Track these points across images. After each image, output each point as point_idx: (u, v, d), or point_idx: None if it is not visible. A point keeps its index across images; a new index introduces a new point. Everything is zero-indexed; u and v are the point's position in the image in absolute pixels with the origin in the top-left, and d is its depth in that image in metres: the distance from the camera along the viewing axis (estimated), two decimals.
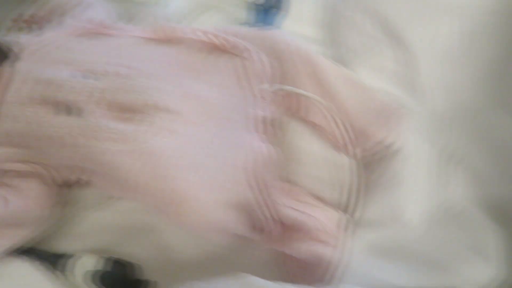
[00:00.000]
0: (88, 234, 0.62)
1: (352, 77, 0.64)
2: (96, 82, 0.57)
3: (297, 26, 0.84)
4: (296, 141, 0.66)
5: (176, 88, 0.57)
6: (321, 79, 0.63)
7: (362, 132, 0.62)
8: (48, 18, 0.76)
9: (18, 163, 0.58)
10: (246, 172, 0.54)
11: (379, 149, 0.63)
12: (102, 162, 0.54)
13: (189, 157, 0.53)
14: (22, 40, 0.65)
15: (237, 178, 0.53)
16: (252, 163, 0.55)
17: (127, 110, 0.56)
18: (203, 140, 0.54)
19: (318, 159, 0.66)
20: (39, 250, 0.61)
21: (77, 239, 0.62)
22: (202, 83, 0.59)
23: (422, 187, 0.61)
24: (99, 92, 0.56)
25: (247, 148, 0.56)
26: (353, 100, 0.63)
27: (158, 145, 0.53)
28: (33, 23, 0.80)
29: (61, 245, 0.62)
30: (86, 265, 0.57)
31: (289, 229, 0.56)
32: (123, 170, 0.53)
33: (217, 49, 0.62)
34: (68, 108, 0.56)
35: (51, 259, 0.59)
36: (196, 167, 0.52)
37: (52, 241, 0.62)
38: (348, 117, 0.63)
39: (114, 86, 0.56)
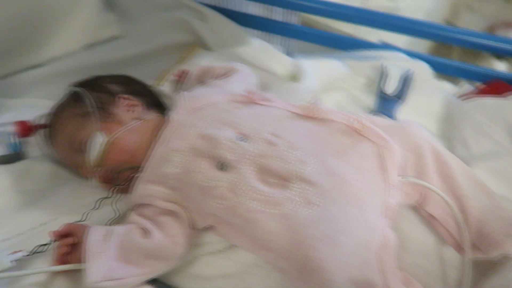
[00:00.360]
0: (208, 277, 0.67)
1: (479, 181, 0.67)
2: (250, 146, 0.64)
3: (413, 116, 0.90)
4: (408, 229, 0.69)
5: (319, 163, 0.63)
6: (449, 177, 0.66)
7: (486, 237, 0.64)
8: (200, 78, 0.89)
9: (167, 203, 0.66)
10: (376, 255, 0.57)
11: (500, 257, 0.64)
12: (245, 218, 0.60)
13: (325, 230, 0.57)
14: (184, 95, 0.77)
15: (367, 260, 0.57)
16: (382, 248, 0.58)
17: (274, 176, 0.62)
18: (339, 217, 0.59)
19: (429, 251, 0.68)
20: (161, 282, 0.67)
21: (198, 281, 0.67)
22: (343, 163, 0.64)
23: None
24: (251, 155, 0.64)
25: (379, 233, 0.59)
26: (479, 203, 0.65)
27: (298, 213, 0.59)
28: (185, 79, 0.92)
29: (180, 282, 0.67)
30: None
31: None
32: (264, 230, 0.59)
33: (357, 133, 0.68)
34: (222, 164, 0.64)
35: None
36: (331, 240, 0.57)
37: (171, 277, 0.68)
38: (470, 219, 0.65)
39: (265, 152, 0.64)
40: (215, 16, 1.09)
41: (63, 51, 1.03)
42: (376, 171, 0.65)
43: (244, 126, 0.67)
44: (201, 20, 1.08)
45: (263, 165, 0.63)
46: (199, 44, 1.08)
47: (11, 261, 0.63)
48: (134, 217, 0.67)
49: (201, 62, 0.98)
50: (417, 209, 0.70)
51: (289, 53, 1.04)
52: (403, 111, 0.91)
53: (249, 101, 0.73)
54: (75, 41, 1.05)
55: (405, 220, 0.70)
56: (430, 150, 0.67)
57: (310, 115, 0.70)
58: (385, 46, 1.05)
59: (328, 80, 0.94)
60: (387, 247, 0.60)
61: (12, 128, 0.82)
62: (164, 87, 0.93)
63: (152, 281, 0.66)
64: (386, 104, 0.92)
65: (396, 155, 0.66)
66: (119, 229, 0.65)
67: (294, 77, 0.94)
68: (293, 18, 1.09)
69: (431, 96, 0.95)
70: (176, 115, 0.72)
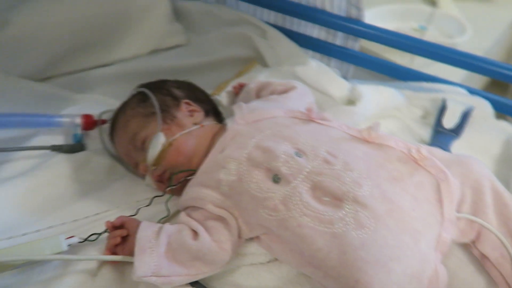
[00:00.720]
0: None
1: None
2: (306, 162, 0.65)
3: (468, 153, 0.87)
4: (457, 268, 0.66)
5: (375, 188, 0.62)
6: (509, 219, 0.64)
7: None
8: (258, 92, 0.91)
9: (218, 208, 0.67)
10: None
11: None
12: (294, 232, 0.61)
13: (376, 254, 0.57)
14: (243, 106, 0.79)
15: None
16: (434, 282, 0.57)
17: (327, 194, 0.62)
18: (391, 243, 0.58)
19: None
20: (202, 285, 0.68)
21: None
22: (399, 190, 0.63)
23: None
24: (307, 171, 0.64)
25: (431, 266, 0.58)
26: None
27: (349, 234, 0.58)
28: (242, 91, 0.95)
29: None
30: None
31: None
32: (313, 246, 0.59)
33: (414, 162, 0.67)
34: (277, 177, 0.65)
35: None
36: (382, 266, 0.56)
37: (211, 282, 0.69)
38: None
39: (320, 170, 0.64)
40: (275, 34, 1.12)
41: (130, 54, 1.10)
42: (432, 203, 0.64)
43: (302, 142, 0.68)
44: (262, 37, 1.12)
45: (317, 182, 0.63)
46: (257, 60, 1.12)
47: (68, 245, 0.66)
48: (184, 218, 0.69)
49: (259, 77, 1.01)
50: (469, 247, 0.68)
51: (345, 78, 1.05)
52: (457, 147, 0.89)
53: (307, 118, 0.74)
54: (143, 46, 1.11)
55: (454, 258, 0.67)
56: (490, 188, 0.66)
57: (367, 139, 0.70)
58: (444, 80, 1.04)
59: (384, 107, 0.94)
60: (438, 282, 0.58)
61: (78, 120, 0.87)
62: (222, 97, 0.96)
63: (194, 283, 0.67)
64: (442, 138, 0.90)
65: (454, 189, 0.64)
66: (170, 227, 0.67)
67: (350, 101, 0.95)
68: (353, 43, 1.10)
69: (489, 134, 0.92)
70: (235, 125, 0.74)
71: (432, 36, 1.39)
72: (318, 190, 0.63)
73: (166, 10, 1.14)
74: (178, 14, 1.20)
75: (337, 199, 0.62)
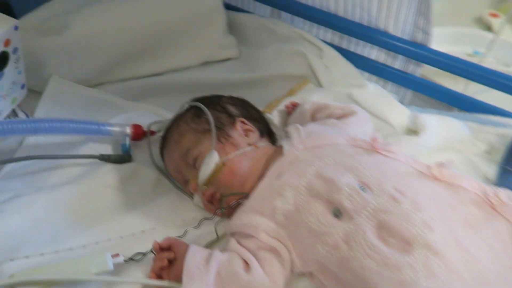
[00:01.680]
0: None
1: None
2: (371, 197, 0.60)
3: None
4: None
5: (448, 233, 0.57)
6: None
7: None
8: (314, 114, 0.86)
9: (272, 238, 0.63)
10: None
11: None
12: (356, 274, 0.56)
13: None
14: (300, 129, 0.74)
15: None
16: None
17: (394, 236, 0.57)
18: None
19: None
20: None
21: None
22: (474, 237, 0.58)
23: None
24: (372, 208, 0.59)
25: None
26: None
27: (419, 284, 0.53)
28: (294, 111, 0.91)
29: None
30: None
31: None
32: None
33: (491, 208, 0.61)
34: (338, 211, 0.60)
35: None
36: None
37: None
38: None
39: (387, 208, 0.59)
40: (332, 53, 1.08)
41: (182, 65, 1.08)
42: (511, 256, 0.57)
43: (367, 175, 0.63)
44: (317, 56, 1.08)
45: (384, 221, 0.58)
46: (310, 79, 1.07)
47: (113, 264, 0.63)
48: (235, 245, 0.65)
49: (311, 97, 0.96)
50: None
51: (401, 103, 0.99)
52: None
53: (371, 149, 0.69)
54: (196, 57, 1.09)
55: None
56: None
57: (438, 177, 0.64)
58: None
59: (447, 139, 0.88)
60: None
61: (128, 130, 0.85)
62: (273, 116, 0.92)
63: None
64: (508, 177, 0.83)
65: None
66: (220, 255, 0.63)
67: (410, 130, 0.89)
68: (414, 68, 1.05)
69: None
70: (293, 149, 0.70)
71: (489, 63, 1.31)
72: (384, 230, 0.58)
73: (222, 22, 1.12)
74: (230, 26, 1.17)
75: (405, 242, 0.56)
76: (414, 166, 0.67)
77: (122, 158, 0.83)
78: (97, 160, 0.82)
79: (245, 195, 0.69)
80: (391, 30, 1.01)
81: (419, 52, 0.99)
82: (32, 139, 0.86)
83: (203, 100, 0.81)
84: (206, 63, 1.12)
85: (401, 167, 0.67)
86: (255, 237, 0.64)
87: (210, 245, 0.69)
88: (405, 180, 0.64)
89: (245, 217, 0.66)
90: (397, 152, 0.69)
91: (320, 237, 0.59)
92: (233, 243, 0.66)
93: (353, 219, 0.59)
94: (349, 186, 0.61)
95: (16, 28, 0.75)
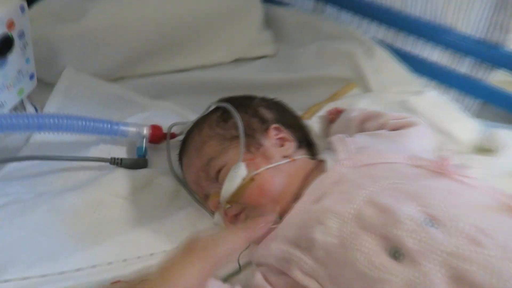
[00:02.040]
0: None
1: None
2: (443, 237, 0.46)
3: None
4: None
5: None
6: None
7: None
8: (364, 123, 0.73)
9: (307, 277, 0.50)
10: None
11: None
12: None
13: None
14: (347, 141, 0.61)
15: None
16: None
17: None
18: None
19: None
20: None
21: None
22: None
23: None
24: (444, 251, 0.45)
25: None
26: None
27: None
28: (338, 118, 0.78)
29: None
30: None
31: None
32: None
33: None
34: (396, 251, 0.46)
35: None
36: None
37: None
38: None
39: (465, 253, 0.44)
40: (383, 54, 0.94)
41: (212, 61, 0.98)
42: None
43: (435, 205, 0.49)
44: (366, 56, 0.94)
45: (460, 271, 0.43)
46: (356, 82, 0.94)
47: None
48: (261, 282, 0.52)
49: (357, 103, 0.83)
50: None
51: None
52: None
53: (440, 171, 0.55)
54: (226, 54, 0.99)
55: None
56: None
57: None
58: None
59: None
60: None
61: (145, 131, 0.75)
62: (313, 123, 0.79)
63: None
64: None
65: None
66: None
67: (481, 148, 0.74)
68: (485, 74, 0.89)
69: None
70: (338, 166, 0.57)
71: None
72: (460, 282, 0.43)
73: (258, 16, 1.01)
74: (267, 21, 1.06)
75: None
76: (501, 199, 0.52)
77: (136, 162, 0.73)
78: (108, 164, 0.72)
79: (277, 219, 0.56)
80: (461, 26, 0.86)
81: (494, 53, 0.84)
82: (39, 136, 0.77)
83: (231, 101, 0.68)
84: (238, 61, 1.01)
85: (481, 198, 0.52)
86: (286, 274, 0.52)
87: (230, 278, 0.57)
88: (489, 217, 0.49)
89: (275, 247, 0.53)
90: (475, 177, 0.54)
91: (373, 284, 0.45)
92: (258, 278, 0.53)
93: (416, 264, 0.45)
94: (412, 220, 0.47)
95: (22, 9, 0.66)
